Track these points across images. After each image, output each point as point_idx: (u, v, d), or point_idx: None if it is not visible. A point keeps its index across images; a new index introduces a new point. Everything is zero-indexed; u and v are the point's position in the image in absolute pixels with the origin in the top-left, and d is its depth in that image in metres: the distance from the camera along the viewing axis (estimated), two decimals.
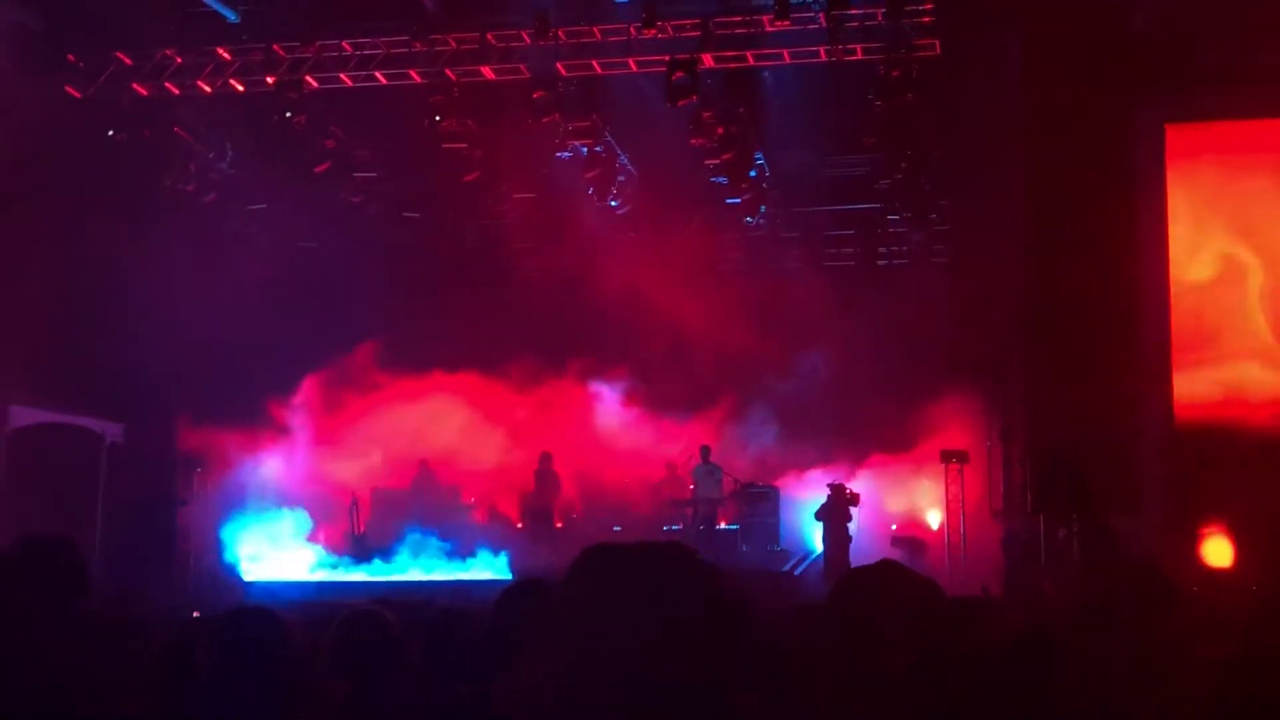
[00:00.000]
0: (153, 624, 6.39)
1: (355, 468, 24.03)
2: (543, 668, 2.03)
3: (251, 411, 23.09)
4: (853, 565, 19.27)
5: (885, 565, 3.40)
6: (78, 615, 4.18)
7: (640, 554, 2.12)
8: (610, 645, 1.98)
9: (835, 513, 20.69)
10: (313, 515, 23.57)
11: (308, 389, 23.98)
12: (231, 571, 21.99)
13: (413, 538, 22.12)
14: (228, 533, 22.86)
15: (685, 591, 2.06)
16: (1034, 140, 18.96)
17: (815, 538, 21.81)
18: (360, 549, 22.37)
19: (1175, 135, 18.81)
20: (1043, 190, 18.76)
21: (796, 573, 21.31)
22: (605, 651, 1.98)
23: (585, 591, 2.08)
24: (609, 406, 25.01)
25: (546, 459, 22.88)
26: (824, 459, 23.41)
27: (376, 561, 21.94)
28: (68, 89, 21.08)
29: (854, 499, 20.85)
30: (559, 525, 22.77)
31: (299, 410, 23.91)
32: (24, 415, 20.47)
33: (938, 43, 19.67)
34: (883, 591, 3.24)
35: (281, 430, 23.74)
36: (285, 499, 23.42)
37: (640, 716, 1.95)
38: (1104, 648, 4.19)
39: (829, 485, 21.07)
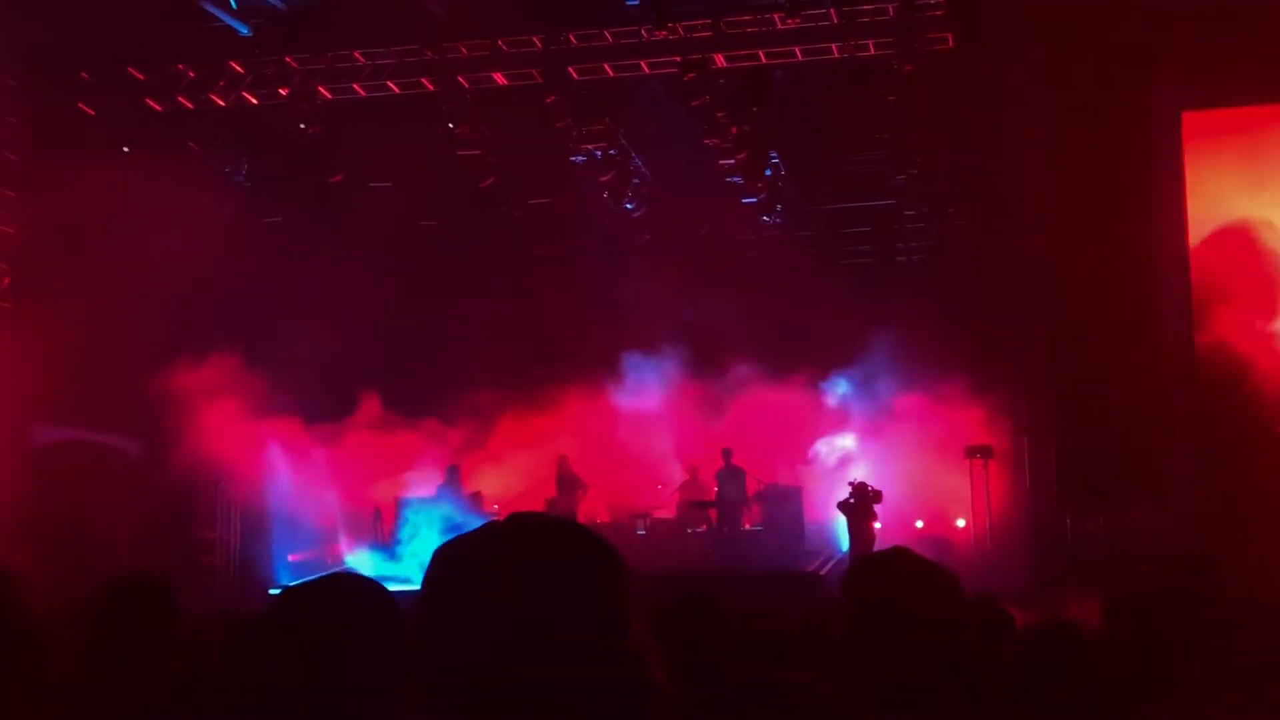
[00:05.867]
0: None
1: (381, 478, 24.03)
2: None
3: (274, 425, 23.04)
4: None
5: (897, 552, 3.35)
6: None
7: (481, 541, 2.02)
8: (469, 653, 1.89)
9: (859, 510, 20.59)
10: (337, 526, 23.57)
11: (330, 400, 23.92)
12: (259, 584, 22.00)
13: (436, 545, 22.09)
14: (253, 547, 22.89)
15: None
16: (1050, 131, 18.85)
17: (842, 537, 21.70)
18: (385, 558, 22.36)
19: (1193, 121, 18.67)
20: (1060, 180, 18.65)
21: (823, 572, 21.20)
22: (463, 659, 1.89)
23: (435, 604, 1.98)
24: (628, 410, 24.92)
25: (564, 462, 22.84)
26: (847, 456, 23.29)
27: (401, 569, 21.92)
28: (80, 105, 21.12)
29: (877, 496, 20.73)
30: None
31: (321, 423, 23.82)
32: (47, 433, 20.51)
33: (950, 36, 19.58)
34: (895, 578, 3.20)
35: (305, 444, 23.67)
36: (309, 511, 23.40)
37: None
38: (1136, 638, 4.12)
39: (850, 483, 20.97)
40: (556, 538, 1.96)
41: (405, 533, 22.75)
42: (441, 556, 2.01)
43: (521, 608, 1.86)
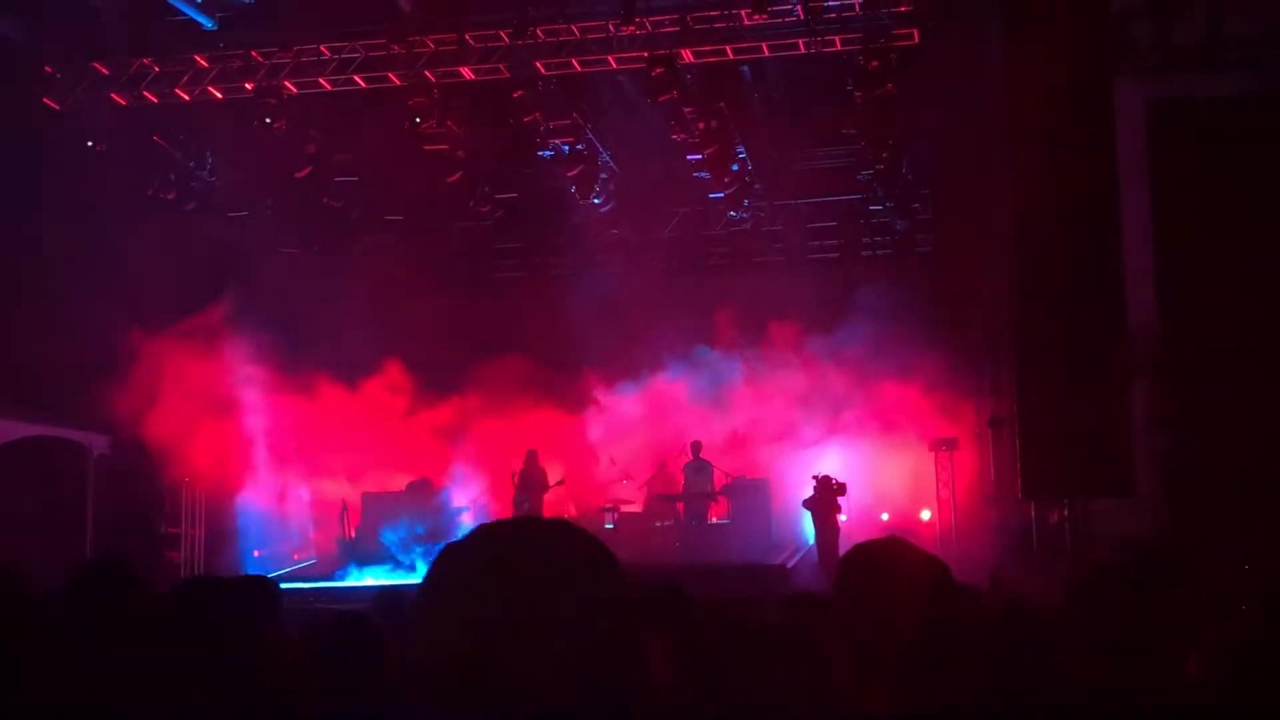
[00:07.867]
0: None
1: (346, 475, 23.97)
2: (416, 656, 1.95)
3: (239, 420, 22.97)
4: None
5: (892, 540, 3.41)
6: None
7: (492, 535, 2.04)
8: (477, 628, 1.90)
9: (823, 504, 20.69)
10: (303, 522, 23.52)
11: (295, 396, 23.85)
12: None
13: (403, 542, 22.12)
14: (219, 542, 22.81)
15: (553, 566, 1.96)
16: (1015, 125, 18.90)
17: (808, 529, 21.78)
18: (350, 554, 22.30)
19: (1158, 114, 18.76)
20: (1025, 175, 18.70)
21: (789, 565, 21.28)
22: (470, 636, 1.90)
23: (444, 586, 1.99)
24: (596, 404, 24.96)
25: (532, 457, 22.79)
26: (814, 449, 23.35)
27: (366, 567, 21.90)
28: (46, 100, 20.98)
29: (841, 489, 20.84)
30: None
31: (289, 419, 23.76)
32: (6, 430, 20.38)
33: (916, 32, 19.64)
34: (889, 566, 3.25)
35: (271, 439, 23.60)
36: (275, 508, 23.35)
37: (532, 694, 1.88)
38: (1100, 624, 4.15)
39: (815, 477, 21.05)
40: (554, 537, 1.99)
41: (369, 531, 22.73)
42: (444, 555, 2.03)
43: (518, 605, 1.89)
